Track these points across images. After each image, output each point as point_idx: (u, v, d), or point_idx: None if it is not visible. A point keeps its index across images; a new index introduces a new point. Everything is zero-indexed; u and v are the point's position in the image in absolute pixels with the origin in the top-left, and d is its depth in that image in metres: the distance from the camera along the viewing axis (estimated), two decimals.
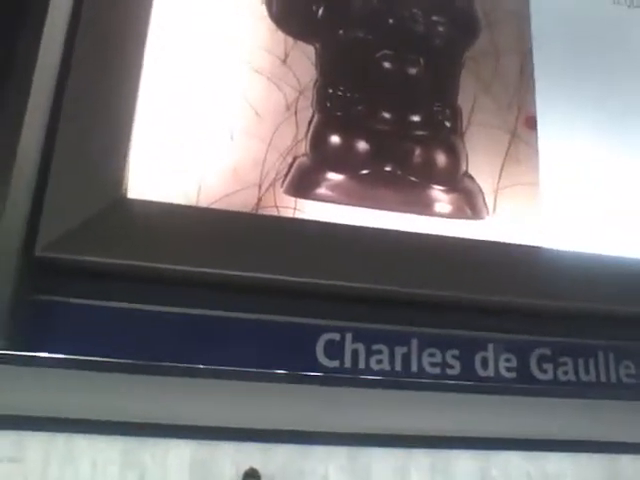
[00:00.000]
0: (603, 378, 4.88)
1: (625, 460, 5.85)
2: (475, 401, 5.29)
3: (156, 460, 5.02)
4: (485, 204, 5.37)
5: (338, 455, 5.56)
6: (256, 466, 5.04)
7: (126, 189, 4.82)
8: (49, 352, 4.48)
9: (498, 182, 5.43)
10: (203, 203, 5.07)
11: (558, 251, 5.08)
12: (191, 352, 4.79)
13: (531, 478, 5.86)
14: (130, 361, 4.62)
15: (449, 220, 5.36)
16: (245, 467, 4.96)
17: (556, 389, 5.11)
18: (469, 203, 5.50)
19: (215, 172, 5.09)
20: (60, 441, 4.74)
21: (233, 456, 5.18)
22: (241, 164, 4.64)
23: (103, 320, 4.74)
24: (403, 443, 5.66)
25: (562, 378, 5.07)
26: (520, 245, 5.02)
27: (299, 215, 5.24)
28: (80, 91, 4.44)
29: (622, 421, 5.66)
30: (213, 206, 5.01)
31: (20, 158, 4.12)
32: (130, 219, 4.79)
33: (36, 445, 4.64)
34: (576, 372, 4.98)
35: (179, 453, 5.22)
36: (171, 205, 4.75)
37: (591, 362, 5.00)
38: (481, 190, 5.41)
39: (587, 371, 4.95)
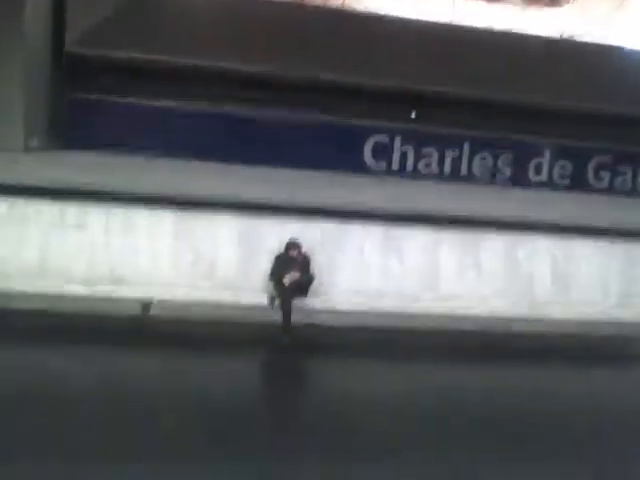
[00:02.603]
0: None
1: None
2: (507, 189, 5.16)
3: (207, 233, 5.50)
4: None
5: (374, 232, 5.86)
6: (298, 239, 5.44)
7: None
8: (100, 141, 4.73)
9: None
10: None
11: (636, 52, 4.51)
12: (234, 148, 4.93)
13: (556, 260, 6.03)
14: (185, 152, 4.85)
15: (521, 8, 4.80)
16: (286, 238, 5.39)
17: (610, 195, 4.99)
18: None
19: None
20: (119, 213, 5.26)
21: (276, 230, 5.60)
22: None
23: (142, 115, 4.86)
24: (435, 224, 5.83)
25: (618, 187, 4.92)
26: (596, 44, 4.48)
27: (349, 3, 4.83)
28: None
29: None
30: None
31: None
32: (154, 11, 4.54)
33: (98, 216, 5.20)
34: (634, 181, 4.80)
35: (228, 227, 5.67)
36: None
37: None
38: None
39: None
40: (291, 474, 2.71)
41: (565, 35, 4.47)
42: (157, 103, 4.50)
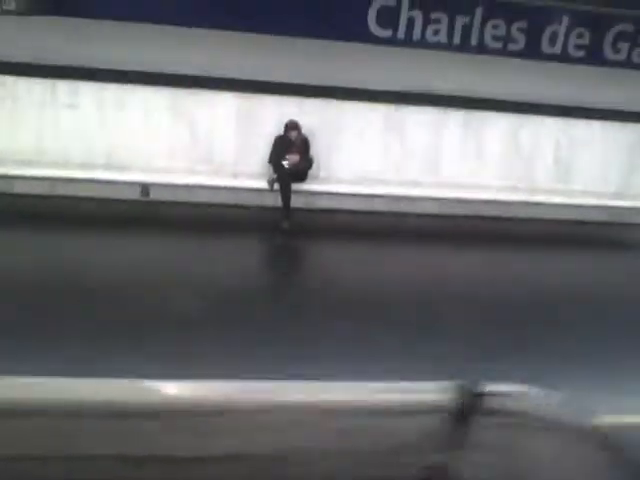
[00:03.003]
0: None
1: None
2: (512, 64, 4.90)
3: (204, 110, 5.20)
4: None
5: (376, 112, 5.62)
6: (297, 119, 5.21)
7: None
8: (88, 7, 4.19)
9: None
10: None
11: None
12: (233, 12, 4.37)
13: (558, 141, 5.96)
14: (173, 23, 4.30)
15: None
16: (285, 119, 5.14)
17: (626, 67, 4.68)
18: None
19: None
20: (111, 90, 4.90)
21: (275, 107, 5.32)
22: None
23: None
24: (439, 103, 5.59)
25: (637, 60, 4.57)
26: None
27: None
28: None
29: None
30: None
31: None
32: None
33: (90, 93, 4.86)
34: None
35: (226, 104, 5.36)
36: None
37: None
38: None
39: None
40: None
41: None
42: None
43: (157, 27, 4.42)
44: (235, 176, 4.92)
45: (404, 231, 5.20)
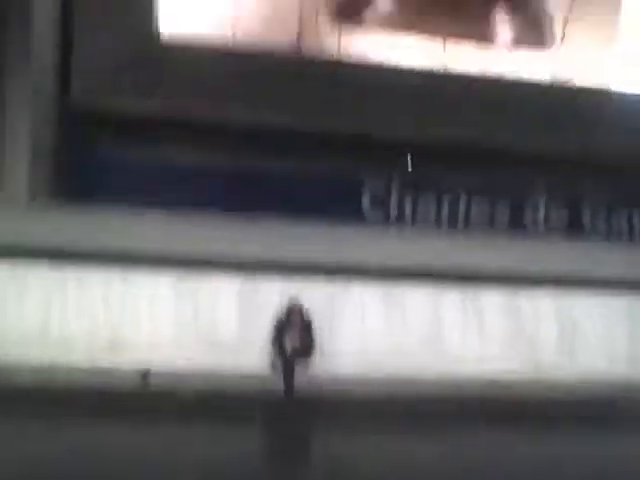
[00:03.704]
0: None
1: None
2: (509, 240, 5.27)
3: (208, 292, 5.31)
4: (553, 33, 4.72)
5: (375, 291, 5.78)
6: (300, 301, 5.30)
7: (158, 33, 4.28)
8: (101, 197, 4.54)
9: (571, 5, 4.72)
10: (240, 42, 4.54)
11: (629, 95, 4.57)
12: (230, 199, 4.76)
13: (559, 315, 6.10)
14: (177, 208, 4.65)
15: (511, 51, 4.79)
16: (288, 300, 5.22)
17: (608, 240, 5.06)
18: (536, 30, 4.81)
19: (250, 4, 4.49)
20: (119, 275, 5.04)
21: (278, 288, 5.44)
22: None
23: (143, 169, 4.65)
24: (437, 279, 5.81)
25: (615, 232, 4.96)
26: (585, 87, 4.52)
27: (345, 48, 4.68)
28: None
29: None
30: (250, 43, 4.48)
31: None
32: (163, 66, 4.32)
33: (98, 279, 4.98)
34: (630, 224, 4.83)
35: (229, 286, 5.49)
36: (206, 48, 4.20)
37: None
38: (550, 16, 4.71)
39: None
40: None
41: (557, 78, 4.52)
42: (168, 157, 4.27)
43: (164, 210, 4.69)
44: (238, 360, 4.80)
45: (406, 415, 4.95)
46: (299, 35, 4.09)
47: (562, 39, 4.33)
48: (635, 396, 5.60)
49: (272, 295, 5.62)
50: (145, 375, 4.40)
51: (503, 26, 4.41)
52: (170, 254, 5.34)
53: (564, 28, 4.32)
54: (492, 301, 5.93)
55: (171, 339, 4.89)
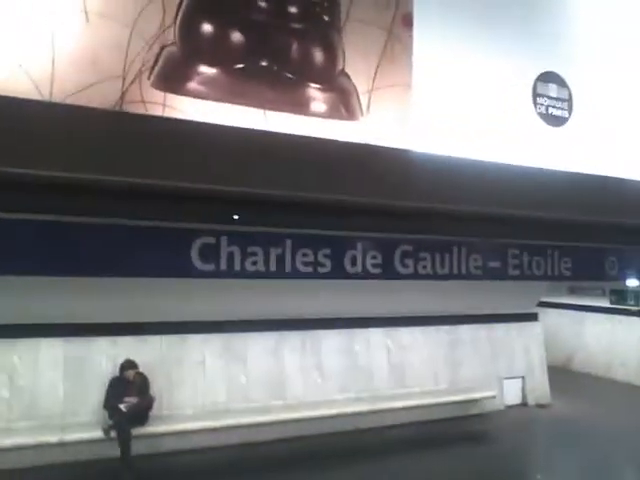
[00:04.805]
0: (455, 270, 5.46)
1: (463, 329, 7.47)
2: (340, 286, 5.68)
3: (27, 359, 4.90)
4: (360, 104, 5.38)
5: (214, 342, 5.82)
6: (133, 358, 5.11)
7: None
8: None
9: (373, 82, 5.41)
10: (57, 97, 4.44)
11: (424, 154, 5.32)
12: (51, 256, 4.53)
13: (389, 350, 6.66)
14: None
15: (323, 120, 5.36)
16: (121, 360, 5.02)
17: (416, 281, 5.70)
18: (344, 102, 5.47)
19: (69, 60, 4.14)
20: None
21: (108, 350, 5.21)
22: (100, 51, 4.19)
23: None
24: (276, 327, 6.06)
25: (422, 272, 5.61)
26: (389, 148, 5.18)
27: (169, 112, 4.86)
28: None
29: (465, 300, 6.54)
30: (68, 101, 4.43)
31: None
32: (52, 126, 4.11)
33: None
34: (433, 266, 5.52)
35: (51, 351, 5.13)
36: (20, 100, 4.08)
37: (446, 257, 5.55)
38: (356, 90, 5.37)
39: (442, 265, 5.50)
40: None
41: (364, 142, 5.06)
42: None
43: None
44: (64, 429, 4.44)
45: (254, 460, 4.97)
46: (122, 96, 4.15)
47: (367, 110, 4.90)
48: (460, 414, 6.23)
49: (102, 355, 5.34)
50: None
51: (317, 99, 4.87)
52: None
53: (369, 100, 4.91)
54: (329, 341, 6.26)
55: None
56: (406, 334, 6.75)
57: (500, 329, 7.76)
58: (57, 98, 3.95)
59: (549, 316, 10.79)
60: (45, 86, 3.99)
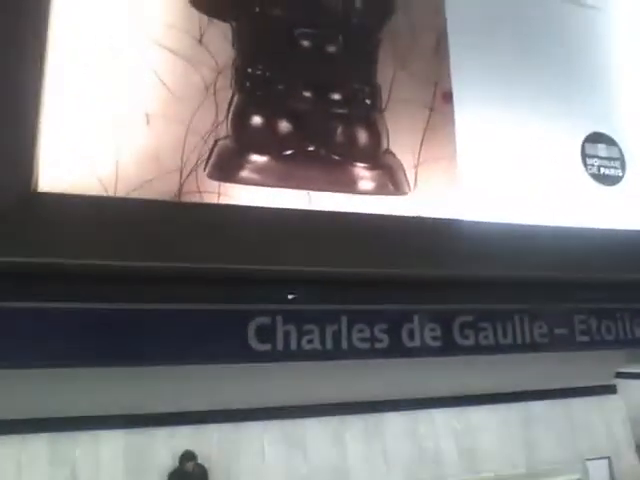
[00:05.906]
0: (519, 340, 5.25)
1: (536, 405, 6.80)
2: (400, 365, 5.52)
3: (87, 453, 4.95)
4: (407, 179, 5.50)
5: (272, 429, 5.70)
6: (191, 448, 5.08)
7: (37, 182, 4.51)
8: None
9: (418, 157, 5.56)
10: (121, 192, 4.38)
11: (475, 222, 5.31)
12: (116, 345, 4.68)
13: (457, 431, 6.30)
14: (53, 361, 4.50)
15: (373, 197, 5.49)
16: (180, 451, 4.99)
17: (478, 353, 5.49)
18: (391, 179, 5.61)
19: (132, 158, 4.48)
20: None
21: (167, 441, 5.21)
22: (159, 149, 4.50)
23: (20, 320, 4.56)
24: (336, 411, 5.88)
25: (483, 342, 5.41)
26: (440, 219, 5.22)
27: (224, 200, 5.15)
28: None
29: (533, 373, 6.18)
30: (132, 195, 4.85)
31: None
32: (42, 215, 4.50)
33: None
34: (495, 336, 5.32)
35: (111, 444, 5.17)
36: (86, 197, 4.48)
37: (509, 326, 5.36)
38: (402, 166, 5.52)
39: (505, 335, 5.31)
40: None
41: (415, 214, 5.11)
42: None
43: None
44: None
45: None
46: (180, 187, 4.42)
47: (415, 184, 4.99)
48: None
49: (162, 446, 5.34)
50: None
51: (364, 178, 5.01)
52: (44, 413, 4.92)
53: (416, 175, 5.01)
54: (392, 425, 5.95)
55: None
56: (473, 413, 6.40)
57: (577, 404, 7.26)
58: (121, 193, 4.26)
59: (633, 388, 9.99)
60: (110, 184, 4.32)
